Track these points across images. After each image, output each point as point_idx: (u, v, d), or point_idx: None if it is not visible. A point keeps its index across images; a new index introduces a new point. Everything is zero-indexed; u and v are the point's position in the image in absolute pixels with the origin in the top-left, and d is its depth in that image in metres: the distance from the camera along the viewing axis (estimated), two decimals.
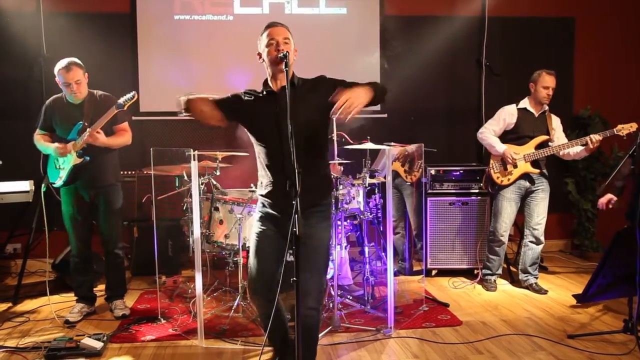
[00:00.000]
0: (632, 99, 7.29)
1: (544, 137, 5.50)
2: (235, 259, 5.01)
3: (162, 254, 5.36)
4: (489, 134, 5.63)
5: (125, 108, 4.70)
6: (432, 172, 6.17)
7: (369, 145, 5.05)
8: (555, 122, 5.62)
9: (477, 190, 6.11)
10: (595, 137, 5.19)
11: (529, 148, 5.50)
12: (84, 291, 5.08)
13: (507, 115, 5.62)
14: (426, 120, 7.04)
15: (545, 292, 5.55)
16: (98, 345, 4.15)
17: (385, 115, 6.97)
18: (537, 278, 5.72)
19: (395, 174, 6.13)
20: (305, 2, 7.00)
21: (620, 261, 4.17)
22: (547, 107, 5.62)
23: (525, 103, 5.64)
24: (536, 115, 5.58)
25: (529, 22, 7.22)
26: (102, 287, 5.31)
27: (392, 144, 5.56)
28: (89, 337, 4.28)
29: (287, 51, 3.05)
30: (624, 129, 5.08)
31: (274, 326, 3.23)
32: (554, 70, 5.53)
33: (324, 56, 6.84)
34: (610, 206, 4.90)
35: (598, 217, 7.08)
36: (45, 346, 4.16)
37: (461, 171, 6.13)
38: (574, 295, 5.29)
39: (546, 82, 5.49)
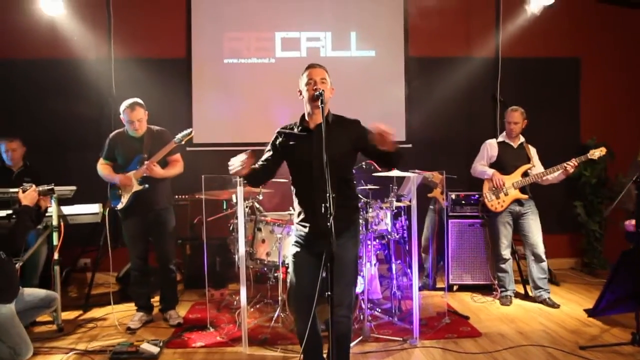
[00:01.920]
0: (633, 128, 7.18)
1: (528, 166, 5.52)
2: (276, 274, 4.98)
3: (211, 269, 5.37)
4: (478, 165, 5.69)
5: (182, 142, 4.77)
6: (453, 196, 6.10)
7: (395, 173, 5.01)
8: (533, 151, 5.65)
9: (491, 213, 5.94)
10: (573, 162, 5.23)
11: (516, 176, 5.51)
12: (142, 301, 5.08)
13: (489, 147, 5.69)
14: (447, 149, 6.99)
15: (557, 306, 5.42)
16: (155, 350, 4.17)
17: (410, 145, 6.94)
18: (549, 293, 5.57)
19: (435, 200, 6.11)
20: (339, 46, 7.02)
21: (627, 278, 4.09)
22: (523, 139, 5.65)
23: (503, 137, 5.72)
24: (515, 146, 5.63)
25: (539, 62, 7.18)
26: (157, 298, 5.32)
27: (417, 171, 5.61)
28: (148, 342, 4.28)
29: (322, 90, 3.03)
30: (595, 153, 5.14)
31: (309, 345, 3.17)
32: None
33: (355, 93, 6.86)
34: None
35: (605, 237, 6.96)
36: (110, 350, 4.21)
37: (478, 195, 6.02)
38: (585, 310, 5.18)
39: (511, 118, 5.57)
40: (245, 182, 3.19)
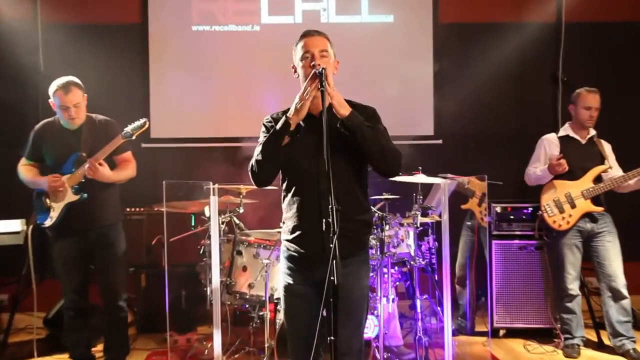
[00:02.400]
0: None
1: (602, 167, 5.46)
2: (261, 313, 4.96)
3: (174, 306, 5.40)
4: (532, 170, 5.66)
5: (133, 137, 4.75)
6: (498, 209, 6.10)
7: (420, 178, 5.05)
8: (607, 148, 5.60)
9: (553, 233, 5.92)
10: None
11: (586, 182, 5.42)
12: (79, 351, 5.01)
13: (547, 144, 5.64)
14: (490, 147, 7.00)
15: None
16: None
17: (440, 142, 6.96)
18: (634, 342, 5.46)
19: (470, 213, 6.12)
20: (345, 9, 7.07)
21: None
22: (594, 132, 5.60)
23: (566, 130, 5.65)
24: (583, 142, 5.57)
25: (617, 28, 7.14)
26: (101, 346, 5.27)
27: (449, 175, 5.62)
28: None
29: (323, 67, 3.03)
30: None
31: None
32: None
33: (367, 71, 6.88)
34: None
35: None
36: None
37: (533, 208, 5.98)
38: None
39: (588, 102, 5.48)
40: (256, 169, 3.16)
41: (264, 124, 3.31)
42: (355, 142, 3.05)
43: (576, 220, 5.44)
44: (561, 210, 5.47)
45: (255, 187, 5.08)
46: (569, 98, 5.73)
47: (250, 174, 3.19)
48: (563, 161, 5.39)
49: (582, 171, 5.46)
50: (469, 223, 6.19)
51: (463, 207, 6.06)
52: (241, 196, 5.25)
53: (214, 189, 4.50)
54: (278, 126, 3.08)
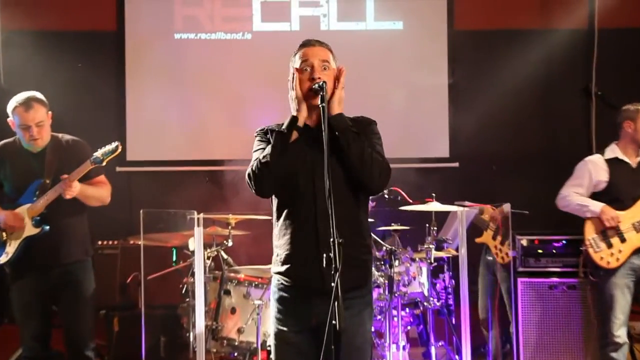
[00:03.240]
0: None
1: None
2: None
3: (151, 355, 5.35)
4: (572, 195, 5.46)
5: (103, 163, 4.65)
6: (524, 242, 5.99)
7: (434, 206, 5.08)
8: None
9: (600, 271, 5.82)
10: None
11: (638, 213, 5.27)
12: None
13: (593, 168, 5.40)
14: (514, 171, 6.98)
15: None
16: None
17: (457, 165, 7.03)
18: None
19: (486, 248, 6.07)
20: (348, 14, 7.11)
21: None
22: None
23: (613, 151, 5.43)
24: (633, 166, 5.40)
25: None
26: None
27: (467, 203, 5.65)
28: None
29: (324, 81, 3.06)
30: None
31: None
32: None
33: (373, 85, 6.89)
34: None
35: None
36: None
37: (565, 241, 5.94)
38: None
39: None
40: (260, 173, 3.13)
41: (256, 135, 3.30)
42: (338, 147, 3.06)
43: (627, 257, 5.26)
44: (609, 245, 5.30)
45: (247, 216, 5.10)
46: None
47: (251, 182, 3.13)
48: (618, 219, 5.29)
49: (632, 200, 5.29)
50: (489, 258, 6.12)
51: (477, 240, 6.04)
52: (230, 227, 5.23)
53: (198, 218, 4.51)
54: (284, 125, 3.09)
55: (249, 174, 3.12)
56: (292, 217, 3.18)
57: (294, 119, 3.08)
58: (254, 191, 3.14)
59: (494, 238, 5.92)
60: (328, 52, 3.22)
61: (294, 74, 3.12)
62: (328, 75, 3.14)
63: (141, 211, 4.76)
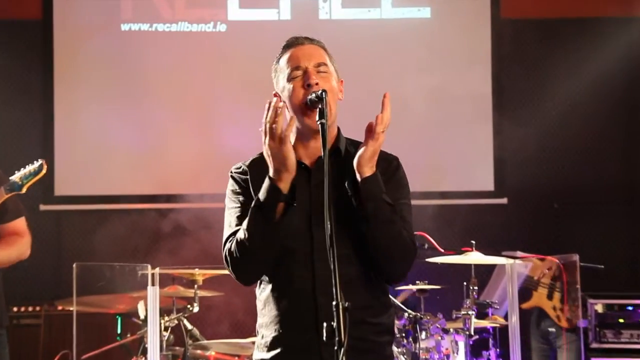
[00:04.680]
0: None
1: None
2: None
3: None
4: None
5: (23, 190, 4.58)
6: (599, 308, 6.06)
7: (474, 258, 5.00)
8: None
9: None
10: None
11: None
12: None
13: None
14: (583, 210, 6.96)
15: None
16: None
17: (505, 201, 6.97)
18: None
19: (539, 313, 6.05)
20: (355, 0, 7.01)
21: None
22: None
23: None
24: None
25: None
26: None
27: (519, 254, 5.72)
28: None
29: (323, 89, 2.90)
30: None
31: None
32: None
33: (387, 90, 6.61)
34: None
35: None
36: None
37: None
38: None
39: None
40: (239, 256, 2.98)
41: (232, 177, 3.19)
42: (358, 215, 2.97)
43: None
44: None
45: (217, 272, 5.04)
46: None
47: (228, 264, 3.02)
48: None
49: None
50: (548, 327, 6.11)
51: (525, 306, 5.99)
52: (196, 286, 5.20)
53: (153, 274, 4.40)
54: (262, 195, 2.93)
55: (225, 257, 3.01)
56: (280, 285, 3.09)
57: (274, 188, 2.93)
58: (233, 277, 3.08)
59: (549, 297, 5.97)
60: (324, 52, 3.15)
61: (270, 104, 2.92)
62: (327, 81, 3.05)
63: (74, 265, 4.68)
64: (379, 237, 2.96)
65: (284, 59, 3.13)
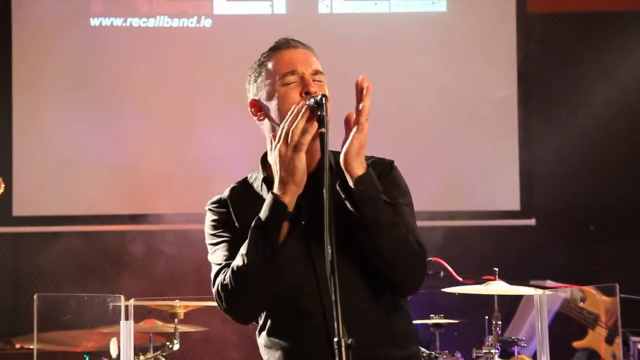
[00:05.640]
0: None
1: None
2: None
3: None
4: None
5: None
6: None
7: (498, 287, 5.05)
8: None
9: None
10: None
11: None
12: None
13: None
14: (623, 232, 7.02)
15: None
16: None
17: (532, 222, 6.97)
18: None
19: (589, 356, 5.92)
20: None
21: None
22: None
23: None
24: None
25: None
26: None
27: (549, 283, 5.85)
28: None
29: (323, 94, 2.93)
30: None
31: None
32: None
33: (396, 95, 6.74)
34: None
35: None
36: None
37: None
38: None
39: None
40: (236, 291, 3.01)
41: (210, 211, 3.21)
42: (355, 223, 2.98)
43: None
44: None
45: (201, 303, 5.11)
46: None
47: (222, 300, 3.00)
48: None
49: None
50: None
51: (577, 344, 6.13)
52: (176, 320, 5.24)
53: (127, 306, 4.41)
54: (264, 214, 2.96)
55: (217, 292, 3.01)
56: (283, 326, 3.12)
57: (278, 204, 2.95)
58: (229, 316, 3.03)
59: (609, 341, 6.01)
60: (315, 58, 3.20)
61: (295, 107, 2.94)
62: (323, 90, 3.08)
63: (35, 296, 4.69)
64: (382, 244, 2.95)
65: (274, 61, 3.17)
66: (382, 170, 3.18)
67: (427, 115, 6.81)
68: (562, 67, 7.13)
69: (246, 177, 3.25)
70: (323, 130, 2.88)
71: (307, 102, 2.96)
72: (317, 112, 2.93)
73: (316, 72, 3.12)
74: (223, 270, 3.01)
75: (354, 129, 2.95)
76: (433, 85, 6.90)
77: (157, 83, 7.00)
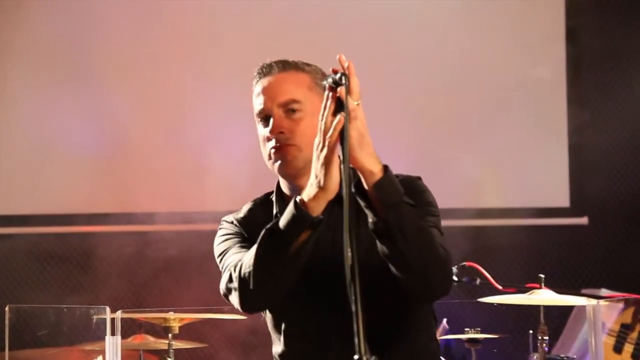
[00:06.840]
0: None
1: None
2: None
3: None
4: None
5: None
6: None
7: (544, 297, 5.06)
8: None
9: None
10: None
11: None
12: None
13: None
14: None
15: None
16: None
17: (585, 221, 7.11)
18: None
19: None
20: None
21: None
22: None
23: None
24: None
25: None
26: None
27: (604, 292, 6.05)
28: None
29: (342, 72, 3.00)
30: None
31: None
32: None
33: (423, 80, 6.90)
34: None
35: None
36: None
37: None
38: None
39: None
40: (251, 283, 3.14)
41: (222, 229, 3.49)
42: (378, 232, 3.08)
43: None
44: None
45: (200, 315, 5.22)
46: None
47: (239, 284, 3.16)
48: None
49: None
50: None
51: None
52: (170, 336, 5.27)
53: (113, 319, 4.52)
54: (283, 223, 3.06)
55: (227, 287, 3.19)
56: (300, 345, 3.36)
57: (305, 216, 3.02)
58: (240, 308, 3.20)
59: (635, 357, 6.13)
60: (302, 81, 3.39)
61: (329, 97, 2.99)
62: (300, 124, 3.30)
63: (6, 308, 4.63)
64: (409, 252, 3.03)
65: (254, 92, 3.44)
66: (407, 185, 3.25)
67: (459, 101, 6.94)
68: (620, 47, 7.21)
69: (268, 194, 3.48)
70: (342, 115, 2.88)
71: (325, 82, 3.04)
72: (335, 89, 2.97)
73: (288, 102, 3.32)
74: (232, 262, 3.22)
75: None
76: (462, 67, 7.06)
77: (146, 60, 7.20)
